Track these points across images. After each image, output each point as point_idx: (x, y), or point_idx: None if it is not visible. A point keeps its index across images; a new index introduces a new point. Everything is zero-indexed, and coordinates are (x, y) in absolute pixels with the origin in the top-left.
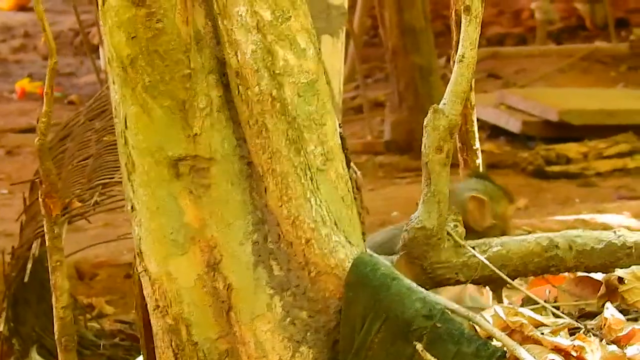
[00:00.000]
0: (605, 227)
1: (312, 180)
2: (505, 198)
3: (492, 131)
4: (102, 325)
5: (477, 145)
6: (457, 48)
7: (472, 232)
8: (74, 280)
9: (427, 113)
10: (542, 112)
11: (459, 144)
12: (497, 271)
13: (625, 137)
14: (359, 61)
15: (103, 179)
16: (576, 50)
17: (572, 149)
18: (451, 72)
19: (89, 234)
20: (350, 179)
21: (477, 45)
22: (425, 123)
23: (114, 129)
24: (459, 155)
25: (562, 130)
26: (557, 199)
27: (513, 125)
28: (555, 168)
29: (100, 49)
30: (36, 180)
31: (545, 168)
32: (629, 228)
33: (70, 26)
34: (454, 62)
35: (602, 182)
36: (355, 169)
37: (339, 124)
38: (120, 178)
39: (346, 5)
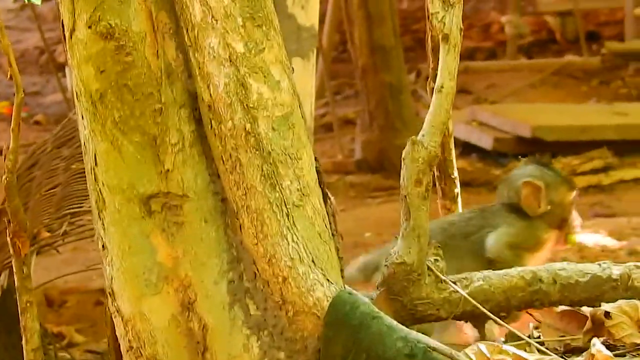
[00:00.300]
0: (581, 247)
1: (288, 217)
2: (565, 185)
3: (464, 148)
4: (72, 356)
5: (456, 174)
6: (435, 76)
7: (527, 218)
8: (42, 307)
9: (398, 131)
10: (514, 128)
11: (436, 173)
12: (480, 307)
13: (599, 152)
14: (328, 78)
15: (71, 208)
16: (547, 65)
17: None
18: (421, 88)
19: (58, 258)
20: (328, 214)
21: (456, 75)
22: (403, 155)
23: (82, 156)
24: (437, 183)
25: (534, 147)
26: None
27: (485, 142)
28: None
29: (67, 68)
30: (2, 208)
31: None
32: (605, 247)
33: (35, 44)
34: (431, 89)
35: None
36: (329, 194)
37: (315, 158)
38: (89, 207)
39: (317, 27)
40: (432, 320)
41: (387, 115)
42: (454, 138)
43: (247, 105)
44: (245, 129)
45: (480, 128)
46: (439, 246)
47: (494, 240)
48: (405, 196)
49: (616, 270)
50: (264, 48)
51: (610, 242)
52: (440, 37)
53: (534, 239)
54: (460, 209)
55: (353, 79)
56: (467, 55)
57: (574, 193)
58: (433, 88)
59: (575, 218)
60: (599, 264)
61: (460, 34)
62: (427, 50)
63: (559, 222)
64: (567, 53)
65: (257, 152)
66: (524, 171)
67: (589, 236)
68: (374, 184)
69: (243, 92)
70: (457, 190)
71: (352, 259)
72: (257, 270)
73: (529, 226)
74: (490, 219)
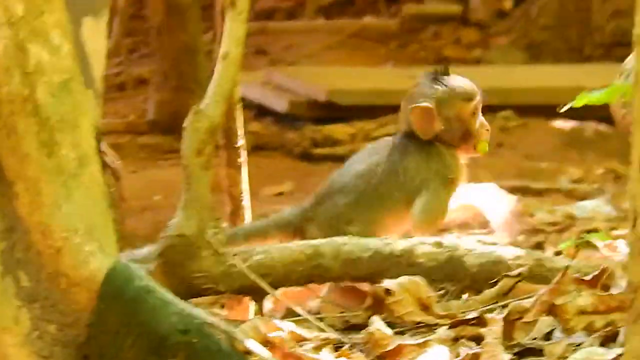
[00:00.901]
0: None
1: (64, 186)
2: (459, 97)
3: (259, 111)
4: None
5: (241, 142)
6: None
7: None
8: None
9: (192, 93)
10: (308, 91)
11: (222, 141)
12: (259, 281)
13: (394, 118)
14: (122, 36)
15: None
16: (345, 26)
17: (339, 130)
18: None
19: None
20: (108, 185)
21: (243, 43)
22: (184, 125)
23: None
24: (222, 152)
25: (330, 111)
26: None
27: (279, 105)
28: (322, 150)
29: None
30: None
31: (312, 150)
32: None
33: None
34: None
35: None
36: (115, 157)
37: (96, 126)
38: None
39: None
40: (210, 294)
41: (181, 75)
42: (249, 100)
43: (25, 70)
44: (23, 94)
45: (275, 91)
46: (219, 218)
47: (418, 216)
48: (186, 166)
49: (399, 246)
50: (44, 11)
51: None
52: (228, 2)
53: (451, 172)
54: (245, 178)
55: (150, 37)
56: (265, 15)
57: (474, 101)
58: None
59: (482, 124)
60: (382, 239)
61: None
62: (214, 15)
63: (462, 136)
64: (366, 14)
65: (34, 119)
66: (417, 91)
67: None
68: (166, 146)
69: (21, 56)
70: (242, 159)
71: (141, 222)
72: (31, 240)
73: (438, 168)
74: (396, 158)
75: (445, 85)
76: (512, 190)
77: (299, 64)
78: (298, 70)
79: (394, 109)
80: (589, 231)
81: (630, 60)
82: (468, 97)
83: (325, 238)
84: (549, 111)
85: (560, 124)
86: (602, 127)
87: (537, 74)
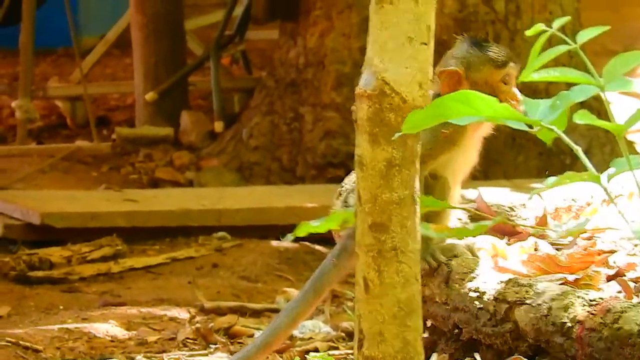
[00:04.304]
0: (91, 337)
1: None
2: (490, 63)
3: None
4: None
5: None
6: None
7: None
8: None
9: None
10: (24, 215)
11: None
12: None
13: (109, 240)
14: None
15: None
16: (57, 150)
17: (55, 253)
18: None
19: None
20: None
21: None
22: None
23: None
24: None
25: (45, 234)
26: (41, 306)
27: None
28: (39, 273)
29: None
30: None
31: (28, 273)
32: (115, 337)
33: None
34: None
35: (86, 287)
36: None
37: None
38: None
39: None
40: None
41: None
42: None
43: None
44: None
45: None
46: None
47: None
48: None
49: None
50: None
51: (121, 333)
52: None
53: (448, 127)
54: None
55: None
56: None
57: (505, 69)
58: None
59: (510, 94)
60: None
61: None
62: None
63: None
64: (78, 138)
65: None
66: (450, 53)
67: (99, 325)
68: None
69: None
70: None
71: None
72: None
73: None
74: None
75: (479, 50)
76: (230, 310)
77: (12, 188)
78: (11, 194)
79: (109, 231)
80: (308, 351)
81: (349, 180)
82: (498, 64)
83: None
84: (263, 231)
85: (275, 244)
86: (318, 247)
87: (250, 195)
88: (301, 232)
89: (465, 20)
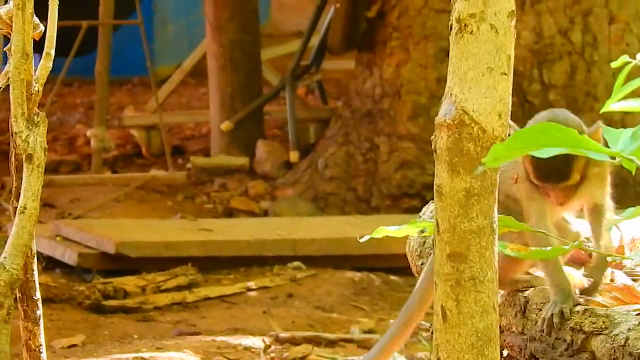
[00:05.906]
0: None
1: None
2: None
3: (48, 263)
4: None
5: (38, 295)
6: (18, 195)
7: None
8: None
9: None
10: (98, 244)
11: (18, 294)
12: None
13: (184, 269)
14: None
15: None
16: (132, 179)
17: (129, 282)
18: (5, 201)
19: None
20: None
21: (39, 196)
22: None
23: None
24: (19, 305)
25: (119, 263)
26: (115, 335)
27: (69, 257)
28: (113, 302)
29: None
30: None
31: (102, 302)
32: None
33: None
34: (15, 208)
35: (160, 316)
36: None
37: None
38: None
39: None
40: None
41: None
42: (38, 253)
43: None
44: None
45: (65, 243)
46: None
47: None
48: None
49: None
50: None
51: None
52: (24, 156)
53: None
54: (42, 332)
55: None
56: (51, 168)
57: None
58: (16, 207)
59: None
60: None
61: (45, 154)
62: (10, 169)
63: None
64: (153, 167)
65: None
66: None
67: (173, 354)
68: None
69: None
70: (40, 312)
71: None
72: None
73: None
74: None
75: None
76: (305, 340)
77: (87, 216)
78: (86, 223)
79: (183, 260)
80: None
81: (427, 210)
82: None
83: None
84: (338, 261)
85: (350, 274)
86: (393, 277)
87: (325, 225)
88: (378, 234)
89: (542, 52)
